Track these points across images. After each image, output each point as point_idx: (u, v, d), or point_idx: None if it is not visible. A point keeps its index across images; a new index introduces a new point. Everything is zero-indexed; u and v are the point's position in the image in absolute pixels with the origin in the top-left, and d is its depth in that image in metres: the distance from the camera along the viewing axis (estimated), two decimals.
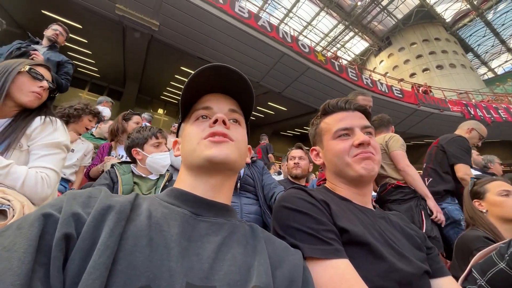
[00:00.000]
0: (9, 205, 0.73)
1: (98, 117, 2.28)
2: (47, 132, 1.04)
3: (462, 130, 2.58)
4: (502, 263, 0.77)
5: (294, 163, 2.29)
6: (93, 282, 0.29)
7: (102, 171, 2.01)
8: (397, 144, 2.03)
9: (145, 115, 4.46)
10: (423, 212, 1.80)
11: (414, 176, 1.90)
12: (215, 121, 0.52)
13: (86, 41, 9.90)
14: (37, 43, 2.58)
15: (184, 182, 0.52)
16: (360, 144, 0.70)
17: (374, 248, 0.56)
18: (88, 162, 2.28)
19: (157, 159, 1.48)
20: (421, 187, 1.89)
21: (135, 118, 2.46)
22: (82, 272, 0.30)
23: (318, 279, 0.51)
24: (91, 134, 2.91)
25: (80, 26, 8.75)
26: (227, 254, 0.41)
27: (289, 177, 2.40)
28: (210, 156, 0.48)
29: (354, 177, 0.71)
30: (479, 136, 2.51)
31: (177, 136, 0.65)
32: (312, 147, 0.86)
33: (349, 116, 0.75)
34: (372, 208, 0.75)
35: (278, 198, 0.70)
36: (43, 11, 7.80)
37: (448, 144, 2.32)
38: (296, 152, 2.35)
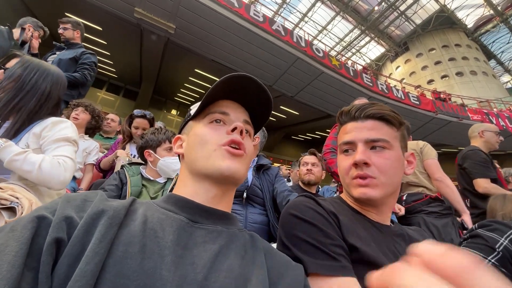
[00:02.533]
0: (18, 202, 0.75)
1: (90, 111, 2.30)
2: (57, 129, 1.08)
3: (475, 138, 2.41)
4: None
5: (307, 169, 2.19)
6: None
7: (113, 162, 2.04)
8: (433, 153, 1.94)
9: (159, 123, 4.40)
10: (460, 231, 1.71)
11: (453, 189, 1.80)
12: (234, 129, 0.51)
13: (106, 43, 10.26)
14: (63, 48, 2.54)
15: (185, 188, 0.51)
16: (356, 164, 0.62)
17: None
18: (93, 160, 2.28)
19: (169, 162, 1.49)
20: (459, 200, 1.79)
21: (135, 122, 2.19)
22: (69, 278, 0.29)
23: None
24: (100, 135, 2.91)
25: (100, 29, 9.09)
26: (223, 264, 0.39)
27: (300, 184, 2.31)
28: (224, 168, 0.47)
29: (357, 199, 0.65)
30: (494, 133, 2.32)
31: (179, 133, 0.62)
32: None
33: (356, 128, 0.66)
34: (389, 224, 0.69)
35: (287, 205, 0.66)
36: (67, 14, 8.15)
37: (463, 162, 2.22)
38: (309, 158, 2.25)
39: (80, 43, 2.61)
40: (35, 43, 2.34)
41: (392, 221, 0.71)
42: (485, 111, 12.36)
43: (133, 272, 0.32)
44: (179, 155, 0.58)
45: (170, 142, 1.55)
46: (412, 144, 2.04)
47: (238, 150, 0.50)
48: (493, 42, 25.16)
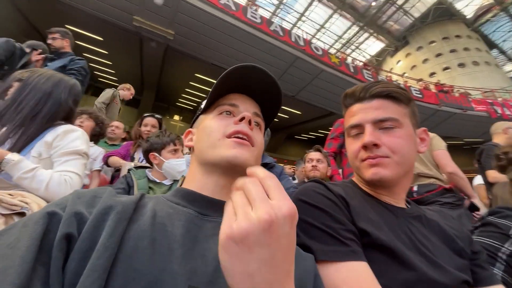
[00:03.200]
0: (28, 207, 0.76)
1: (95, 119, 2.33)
2: (68, 140, 1.07)
3: (498, 134, 2.46)
4: None
5: (312, 166, 2.18)
6: (90, 284, 0.28)
7: (119, 168, 2.08)
8: (442, 144, 1.95)
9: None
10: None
11: (466, 180, 1.86)
12: (241, 119, 0.50)
13: (107, 53, 10.39)
14: (54, 59, 2.53)
15: (193, 181, 0.51)
16: (366, 146, 0.59)
17: (399, 254, 0.50)
18: (99, 166, 2.32)
19: (173, 164, 1.51)
20: (471, 190, 1.88)
21: (143, 121, 2.46)
22: (80, 273, 0.29)
23: (331, 282, 0.47)
24: (105, 142, 2.95)
25: (101, 39, 9.22)
26: None
27: (305, 181, 2.32)
28: (231, 157, 0.46)
29: (369, 182, 0.63)
30: None
31: (191, 127, 0.62)
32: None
33: (361, 109, 0.63)
34: (405, 206, 0.65)
35: (296, 191, 0.65)
36: (67, 26, 8.29)
37: (480, 157, 2.34)
38: (314, 155, 2.24)
39: (70, 51, 2.60)
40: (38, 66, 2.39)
41: (408, 202, 0.68)
42: (489, 101, 12.21)
43: (143, 266, 0.32)
44: (189, 148, 0.58)
45: (175, 145, 1.58)
46: None
47: (244, 140, 0.48)
48: (494, 31, 24.86)
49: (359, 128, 0.63)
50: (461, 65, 22.36)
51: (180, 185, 1.48)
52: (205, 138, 0.51)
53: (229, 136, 0.48)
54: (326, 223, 0.52)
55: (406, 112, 0.62)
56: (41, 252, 0.29)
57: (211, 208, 0.46)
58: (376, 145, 0.58)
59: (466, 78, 21.18)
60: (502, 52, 26.45)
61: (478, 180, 2.74)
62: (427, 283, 0.48)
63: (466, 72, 21.84)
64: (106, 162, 2.23)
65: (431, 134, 2.01)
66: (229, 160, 0.46)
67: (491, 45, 25.54)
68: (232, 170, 0.48)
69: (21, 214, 0.75)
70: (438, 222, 0.64)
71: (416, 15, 23.47)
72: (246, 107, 0.54)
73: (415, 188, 1.97)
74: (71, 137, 1.09)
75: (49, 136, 1.05)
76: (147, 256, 0.33)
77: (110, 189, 0.42)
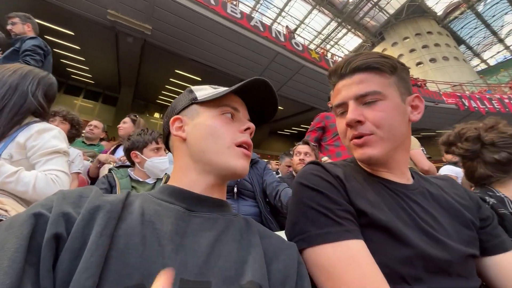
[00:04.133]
0: (6, 215, 0.74)
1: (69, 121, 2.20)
2: (44, 140, 1.00)
3: None
4: None
5: (300, 159, 2.16)
6: (85, 281, 0.29)
7: (98, 168, 2.03)
8: (417, 144, 2.09)
9: None
10: None
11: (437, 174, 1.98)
12: (247, 129, 0.53)
13: (79, 48, 9.85)
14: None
15: (183, 177, 0.51)
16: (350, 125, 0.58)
17: (397, 232, 0.50)
18: (78, 168, 2.23)
19: (156, 163, 1.49)
20: None
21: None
22: (72, 272, 0.30)
23: (326, 261, 0.48)
24: (82, 142, 2.83)
25: (73, 33, 8.71)
26: (221, 249, 0.41)
27: (294, 173, 2.31)
28: (239, 168, 0.49)
29: (361, 162, 0.63)
30: None
31: (178, 113, 0.56)
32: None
33: (345, 86, 0.60)
34: (407, 182, 0.63)
35: (297, 174, 0.65)
36: (36, 20, 7.75)
37: None
38: (302, 148, 2.21)
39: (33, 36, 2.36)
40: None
41: (413, 176, 0.66)
42: (458, 94, 12.98)
43: (136, 262, 0.33)
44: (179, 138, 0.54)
45: (157, 143, 1.55)
46: None
47: (248, 151, 0.52)
48: (462, 28, 26.38)
49: (343, 106, 0.61)
50: (433, 60, 23.55)
51: (165, 183, 1.48)
52: (209, 140, 0.49)
53: (238, 145, 0.50)
54: (322, 204, 0.53)
55: (390, 81, 0.58)
56: (29, 253, 0.29)
57: (198, 204, 0.47)
58: (359, 122, 0.56)
59: (437, 72, 22.36)
60: (469, 47, 28.18)
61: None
62: (425, 259, 0.48)
63: (437, 67, 23.04)
64: (89, 177, 2.16)
65: None
66: (236, 171, 0.49)
67: (459, 41, 27.11)
68: (232, 177, 0.51)
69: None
70: (444, 194, 0.62)
71: (391, 11, 24.33)
72: (244, 114, 0.56)
73: None
74: (46, 136, 1.02)
75: (21, 136, 0.97)
76: (138, 252, 0.34)
77: (96, 189, 0.42)
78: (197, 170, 0.50)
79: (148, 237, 0.37)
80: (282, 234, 0.59)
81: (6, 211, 0.74)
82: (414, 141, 2.10)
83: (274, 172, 4.33)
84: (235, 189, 1.61)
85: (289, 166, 3.49)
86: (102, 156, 2.06)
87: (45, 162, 0.98)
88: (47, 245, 0.30)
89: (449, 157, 3.56)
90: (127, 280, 0.31)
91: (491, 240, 0.59)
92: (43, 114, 1.10)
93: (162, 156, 1.54)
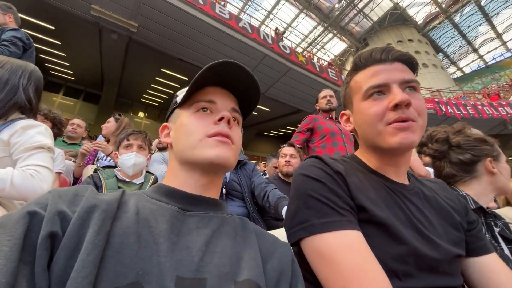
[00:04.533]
0: None
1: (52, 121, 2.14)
2: (28, 136, 0.97)
3: None
4: None
5: (285, 161, 2.21)
6: (82, 280, 0.29)
7: (82, 166, 1.98)
8: (415, 150, 2.20)
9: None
10: None
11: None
12: (221, 119, 0.49)
13: (60, 43, 9.47)
14: None
15: (174, 178, 0.51)
16: (397, 106, 0.55)
17: (393, 230, 0.51)
18: (59, 168, 2.14)
19: (124, 160, 1.48)
20: None
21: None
22: (68, 271, 0.30)
23: (325, 247, 0.49)
24: (63, 141, 2.72)
25: (53, 28, 8.36)
26: (217, 246, 0.42)
27: (279, 175, 2.33)
28: (213, 157, 0.47)
29: (386, 149, 0.59)
30: None
31: (166, 121, 0.59)
32: (342, 112, 0.73)
33: (385, 69, 0.59)
34: (405, 182, 0.65)
35: (297, 167, 0.66)
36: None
37: None
38: (287, 150, 2.27)
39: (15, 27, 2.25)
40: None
41: (409, 177, 0.68)
42: (436, 100, 13.60)
43: (131, 260, 0.33)
44: (167, 144, 0.56)
45: (128, 140, 1.56)
46: None
47: (224, 138, 0.49)
48: (440, 37, 27.73)
49: (383, 87, 0.58)
50: None
51: (152, 184, 1.47)
52: (184, 139, 0.50)
53: (210, 136, 0.49)
54: (324, 194, 0.54)
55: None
56: (24, 252, 0.29)
57: (193, 204, 0.48)
58: (408, 105, 0.55)
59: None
60: (446, 56, 29.66)
61: None
62: (417, 257, 0.50)
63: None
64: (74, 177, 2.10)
65: None
66: (212, 160, 0.47)
67: (437, 49, 28.47)
68: (214, 169, 0.49)
69: None
70: (436, 196, 0.65)
71: (375, 18, 25.16)
72: (224, 104, 0.53)
73: None
74: (31, 132, 0.98)
75: (5, 133, 0.94)
76: (134, 251, 0.34)
77: (91, 188, 0.42)
78: (184, 170, 0.50)
79: (143, 236, 0.37)
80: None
81: None
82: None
83: (261, 173, 4.36)
84: (224, 190, 1.62)
85: (276, 168, 3.51)
86: (84, 147, 1.96)
87: (26, 157, 0.94)
88: (42, 244, 0.30)
89: (427, 159, 3.74)
90: (122, 279, 0.32)
91: (475, 242, 0.62)
92: (29, 110, 1.06)
93: (131, 152, 1.52)
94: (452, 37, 27.16)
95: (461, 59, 30.46)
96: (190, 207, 0.47)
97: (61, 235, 0.32)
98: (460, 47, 28.43)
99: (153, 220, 0.40)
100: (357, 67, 0.65)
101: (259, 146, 19.80)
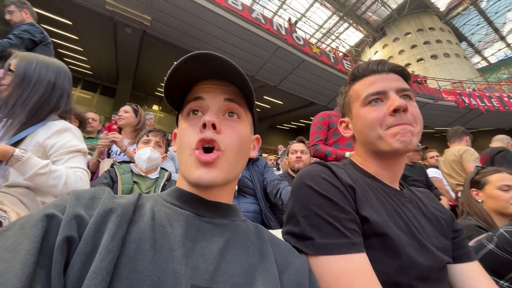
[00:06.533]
0: (5, 216, 0.73)
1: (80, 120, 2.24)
2: (65, 139, 1.01)
3: (500, 143, 2.85)
4: (490, 244, 0.84)
5: (297, 157, 2.23)
6: (95, 287, 0.28)
7: (98, 162, 2.02)
8: (471, 157, 2.21)
9: (150, 114, 4.05)
10: None
11: None
12: (204, 126, 0.44)
13: (77, 38, 9.72)
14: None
15: (185, 184, 0.49)
16: (396, 111, 0.59)
17: (394, 241, 0.52)
18: None
19: (139, 154, 1.52)
20: None
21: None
22: (83, 276, 0.29)
23: (329, 272, 0.48)
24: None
25: (71, 23, 8.57)
26: (231, 255, 0.41)
27: (289, 171, 2.35)
28: (197, 179, 0.43)
29: (387, 151, 0.61)
30: None
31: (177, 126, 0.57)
32: (341, 119, 0.76)
33: (382, 79, 0.65)
34: (399, 189, 0.68)
35: (300, 172, 0.63)
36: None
37: (495, 157, 2.51)
38: (298, 146, 2.29)
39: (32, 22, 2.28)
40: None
41: (402, 185, 0.71)
42: (458, 91, 12.96)
43: (146, 267, 0.33)
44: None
45: (147, 136, 1.61)
46: (454, 150, 2.42)
47: (207, 154, 0.44)
48: (464, 24, 26.19)
49: (381, 95, 0.63)
50: (434, 56, 23.44)
51: (166, 179, 1.49)
52: (179, 152, 0.48)
53: (196, 149, 0.44)
54: (330, 213, 0.52)
55: None
56: (41, 255, 0.29)
57: (207, 209, 0.47)
58: (405, 111, 0.59)
59: (438, 69, 22.27)
60: (471, 44, 28.03)
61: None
62: (416, 267, 0.52)
63: (438, 64, 22.94)
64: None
65: (463, 148, 2.38)
66: (197, 182, 0.43)
67: (460, 37, 26.95)
68: (206, 188, 0.46)
69: None
70: (427, 205, 0.67)
71: (393, 6, 24.07)
72: (213, 98, 0.47)
73: (460, 195, 2.18)
74: (67, 136, 1.02)
75: (40, 135, 0.97)
76: (149, 257, 0.34)
77: (108, 190, 0.42)
78: (187, 182, 0.47)
79: (158, 241, 0.36)
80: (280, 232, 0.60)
81: (5, 212, 0.73)
82: (470, 155, 2.31)
83: (275, 168, 4.34)
84: (236, 187, 1.61)
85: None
86: (100, 143, 1.96)
87: (68, 159, 0.99)
88: (59, 248, 0.30)
89: (432, 161, 3.64)
90: (137, 286, 0.31)
91: (459, 249, 0.64)
92: (65, 112, 1.10)
93: (147, 147, 1.56)
94: (477, 25, 25.57)
95: (486, 48, 28.73)
96: (205, 213, 0.46)
97: (77, 240, 0.32)
98: (486, 35, 26.75)
99: (168, 225, 0.40)
100: (355, 77, 0.71)
101: (271, 139, 19.74)
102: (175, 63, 0.45)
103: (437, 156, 3.59)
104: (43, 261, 0.29)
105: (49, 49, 2.35)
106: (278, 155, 6.18)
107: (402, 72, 0.67)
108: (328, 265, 0.49)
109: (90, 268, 0.30)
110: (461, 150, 2.38)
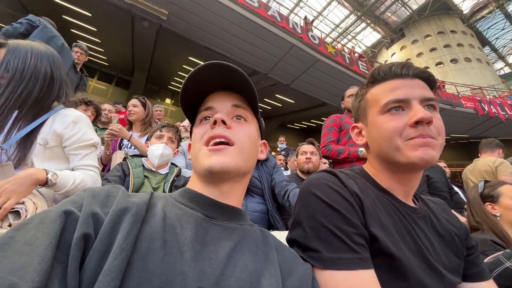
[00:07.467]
0: (22, 206, 0.76)
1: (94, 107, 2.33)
2: (81, 131, 1.05)
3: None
4: (508, 262, 0.81)
5: (306, 158, 2.27)
6: (108, 284, 0.29)
7: (110, 154, 2.06)
8: (508, 170, 2.19)
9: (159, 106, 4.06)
10: None
11: None
12: (215, 122, 0.49)
13: (96, 30, 9.91)
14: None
15: (196, 184, 0.52)
16: (418, 123, 0.54)
17: (403, 264, 0.50)
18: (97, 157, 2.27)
19: (152, 149, 1.54)
20: None
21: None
22: (98, 273, 0.30)
23: None
24: (96, 125, 2.85)
25: (90, 14, 8.76)
26: (238, 260, 0.41)
27: (298, 172, 2.37)
28: (209, 166, 0.46)
29: (404, 164, 0.56)
30: None
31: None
32: (354, 124, 0.71)
33: (405, 85, 0.58)
34: (413, 204, 0.64)
35: (308, 179, 0.62)
36: (56, 0, 7.81)
37: None
38: (308, 147, 2.33)
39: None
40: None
41: (416, 199, 0.67)
42: (478, 98, 12.49)
43: (156, 267, 0.34)
44: None
45: (161, 131, 1.63)
46: (488, 161, 2.39)
47: (220, 145, 0.48)
48: (488, 28, 25.12)
49: (403, 103, 0.57)
50: (454, 60, 22.62)
51: (176, 175, 1.51)
52: (192, 150, 0.54)
53: (206, 144, 0.49)
54: (338, 226, 0.50)
55: None
56: (58, 251, 0.30)
57: (217, 211, 0.48)
58: (429, 123, 0.54)
59: (457, 74, 21.50)
60: (494, 49, 26.88)
61: None
62: None
63: (458, 68, 22.14)
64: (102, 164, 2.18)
65: (498, 160, 2.37)
66: (208, 169, 0.47)
67: (483, 42, 25.88)
68: (220, 178, 0.49)
69: (15, 213, 0.74)
70: (441, 219, 0.64)
71: (414, 7, 23.35)
72: (222, 105, 0.53)
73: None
74: (83, 127, 1.06)
75: (58, 124, 0.99)
76: (159, 257, 0.35)
77: (123, 189, 0.44)
78: (199, 181, 0.52)
79: (168, 242, 0.38)
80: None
81: (22, 202, 0.76)
82: (506, 167, 2.26)
83: (282, 168, 4.32)
84: None
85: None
86: (105, 135, 1.95)
87: (83, 156, 1.05)
88: (76, 245, 0.31)
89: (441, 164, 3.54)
90: (147, 285, 0.32)
91: (472, 268, 0.61)
92: (65, 98, 1.11)
93: (161, 143, 1.57)
94: (503, 29, 24.47)
95: (511, 54, 27.48)
96: (215, 215, 0.47)
97: (93, 237, 0.33)
98: (511, 40, 25.58)
99: (179, 226, 0.41)
100: (375, 80, 0.64)
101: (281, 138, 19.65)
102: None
103: (444, 166, 3.47)
104: (60, 256, 0.30)
105: (43, 33, 2.35)
106: (279, 148, 6.22)
107: (428, 78, 0.60)
108: (336, 280, 0.47)
109: (104, 266, 0.31)
110: (496, 161, 2.37)
